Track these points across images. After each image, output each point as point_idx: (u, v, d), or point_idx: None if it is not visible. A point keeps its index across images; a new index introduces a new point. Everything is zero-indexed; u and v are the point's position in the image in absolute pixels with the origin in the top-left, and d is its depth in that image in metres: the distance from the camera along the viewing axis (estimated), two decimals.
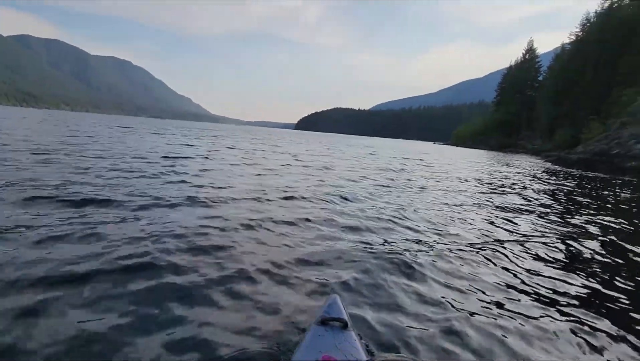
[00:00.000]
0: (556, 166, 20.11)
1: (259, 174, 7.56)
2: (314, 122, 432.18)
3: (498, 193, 7.96)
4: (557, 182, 11.41)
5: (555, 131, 48.09)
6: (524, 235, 4.36)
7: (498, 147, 60.35)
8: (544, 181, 11.30)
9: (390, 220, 4.42)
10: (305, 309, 2.07)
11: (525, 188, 9.25)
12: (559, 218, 5.63)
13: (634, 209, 7.19)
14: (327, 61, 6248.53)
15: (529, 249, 3.75)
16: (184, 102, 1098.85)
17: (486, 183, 9.69)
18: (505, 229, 4.56)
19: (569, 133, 42.79)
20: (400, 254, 3.12)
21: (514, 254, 3.54)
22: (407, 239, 3.70)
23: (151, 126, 37.87)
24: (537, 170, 16.08)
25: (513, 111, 67.72)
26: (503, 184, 9.65)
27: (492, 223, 4.91)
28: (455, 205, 6.01)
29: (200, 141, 17.31)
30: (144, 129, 25.91)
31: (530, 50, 72.56)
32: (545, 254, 3.64)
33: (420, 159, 17.81)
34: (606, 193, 9.55)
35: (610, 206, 7.46)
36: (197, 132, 28.49)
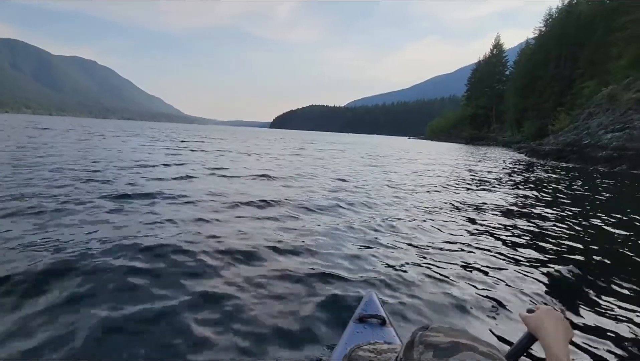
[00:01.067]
0: (532, 158, 20.67)
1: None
2: (289, 120, 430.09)
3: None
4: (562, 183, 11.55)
5: (523, 123, 49.72)
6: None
7: (470, 140, 61.80)
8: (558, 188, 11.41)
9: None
10: (340, 306, 2.16)
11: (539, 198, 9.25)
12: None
13: None
14: (301, 59, 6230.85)
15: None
16: (155, 103, 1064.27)
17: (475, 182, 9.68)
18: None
19: (536, 125, 44.32)
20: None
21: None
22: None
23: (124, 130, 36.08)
24: (519, 165, 16.33)
25: (483, 104, 69.56)
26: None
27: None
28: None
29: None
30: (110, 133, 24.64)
31: (497, 45, 74.59)
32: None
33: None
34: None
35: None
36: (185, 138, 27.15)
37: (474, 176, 10.42)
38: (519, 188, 8.13)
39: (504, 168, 13.23)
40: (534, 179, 9.98)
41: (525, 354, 0.95)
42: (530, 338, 0.92)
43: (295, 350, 1.76)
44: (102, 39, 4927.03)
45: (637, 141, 13.78)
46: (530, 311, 0.94)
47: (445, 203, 5.91)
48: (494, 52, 74.52)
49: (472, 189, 7.67)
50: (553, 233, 4.28)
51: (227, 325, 1.97)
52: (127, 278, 2.41)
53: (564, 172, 12.30)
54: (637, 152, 13.30)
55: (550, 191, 7.85)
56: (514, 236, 4.12)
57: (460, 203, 5.98)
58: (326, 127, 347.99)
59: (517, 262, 3.26)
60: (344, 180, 7.93)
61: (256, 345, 1.80)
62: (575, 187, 8.65)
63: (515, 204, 6.10)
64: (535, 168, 13.70)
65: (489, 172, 11.31)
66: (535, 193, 7.30)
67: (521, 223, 4.77)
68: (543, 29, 55.22)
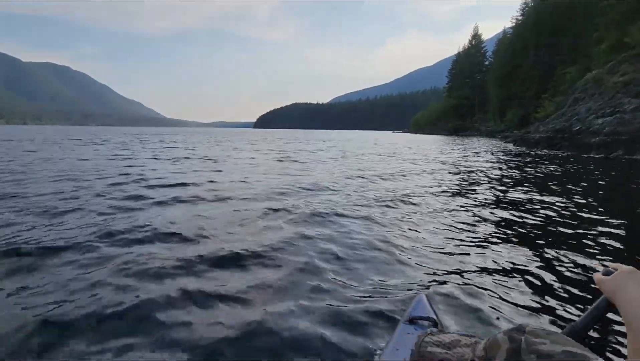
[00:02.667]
0: (521, 148, 20.18)
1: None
2: (273, 120, 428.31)
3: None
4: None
5: (505, 112, 49.91)
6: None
7: (454, 131, 61.88)
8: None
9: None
10: (388, 307, 2.09)
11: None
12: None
13: None
14: (283, 57, 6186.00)
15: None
16: (135, 107, 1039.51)
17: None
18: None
19: (519, 113, 44.53)
20: None
21: None
22: None
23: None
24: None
25: (464, 95, 69.93)
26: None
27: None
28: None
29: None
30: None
31: (476, 36, 74.97)
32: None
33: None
34: None
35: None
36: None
37: (478, 173, 9.76)
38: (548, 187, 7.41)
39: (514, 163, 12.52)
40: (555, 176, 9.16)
41: (599, 324, 0.80)
42: (607, 305, 0.78)
43: (338, 350, 1.69)
44: (74, 43, 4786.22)
45: (630, 125, 13.38)
46: (607, 273, 0.77)
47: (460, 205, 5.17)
48: (473, 42, 74.87)
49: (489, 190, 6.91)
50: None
51: (259, 324, 1.89)
52: None
53: (571, 164, 11.48)
54: (632, 137, 12.89)
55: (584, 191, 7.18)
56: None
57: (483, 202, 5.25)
58: (311, 124, 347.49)
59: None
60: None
61: (296, 345, 1.73)
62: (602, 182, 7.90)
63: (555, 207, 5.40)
64: (536, 160, 12.83)
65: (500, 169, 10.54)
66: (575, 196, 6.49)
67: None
68: (520, 18, 55.50)
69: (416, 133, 77.81)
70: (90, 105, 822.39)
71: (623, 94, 15.39)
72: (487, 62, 71.39)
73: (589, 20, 31.70)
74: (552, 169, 9.80)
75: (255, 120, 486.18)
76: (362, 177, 7.62)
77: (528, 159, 12.99)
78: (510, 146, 22.49)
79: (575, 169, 9.96)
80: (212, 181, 6.71)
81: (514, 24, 57.22)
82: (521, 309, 2.16)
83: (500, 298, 2.30)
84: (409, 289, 2.33)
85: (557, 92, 31.79)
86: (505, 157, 13.79)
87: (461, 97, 70.89)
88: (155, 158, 11.47)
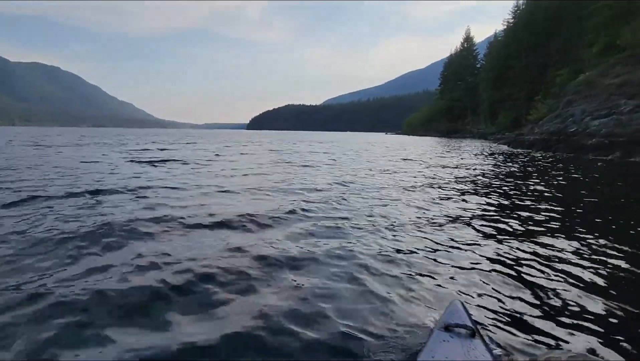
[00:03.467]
0: (516, 149, 19.86)
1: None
2: (266, 121, 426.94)
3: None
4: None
5: (497, 115, 50.05)
6: None
7: (446, 133, 62.15)
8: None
9: None
10: (422, 315, 2.04)
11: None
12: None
13: None
14: (276, 58, 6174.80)
15: None
16: (126, 108, 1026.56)
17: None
18: None
19: (511, 115, 44.66)
20: None
21: None
22: None
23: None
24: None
25: (457, 97, 70.19)
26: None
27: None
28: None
29: None
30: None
31: (468, 38, 75.29)
32: None
33: None
34: None
35: None
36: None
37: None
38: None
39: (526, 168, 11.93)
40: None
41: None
42: None
43: (368, 357, 1.60)
44: (63, 44, 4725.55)
45: (627, 127, 13.17)
46: None
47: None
48: (465, 45, 75.17)
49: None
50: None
51: (283, 328, 1.81)
52: None
53: (586, 169, 10.83)
54: (629, 139, 12.65)
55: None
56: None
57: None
58: (304, 126, 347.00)
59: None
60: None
61: (324, 352, 1.65)
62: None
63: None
64: (551, 164, 12.00)
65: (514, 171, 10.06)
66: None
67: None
68: (512, 21, 55.79)
69: (409, 135, 77.79)
70: (81, 106, 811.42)
71: (618, 96, 15.23)
72: (479, 65, 71.71)
73: (581, 22, 31.80)
74: (578, 175, 9.18)
75: (248, 121, 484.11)
76: (363, 189, 6.55)
77: (541, 163, 12.17)
78: (505, 148, 22.24)
79: (598, 174, 9.52)
80: (190, 190, 6.10)
81: (505, 27, 57.57)
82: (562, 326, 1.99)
83: (543, 299, 2.27)
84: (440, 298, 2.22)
85: (549, 95, 31.80)
86: (510, 161, 13.18)
87: (453, 99, 71.13)
88: (131, 161, 10.74)
